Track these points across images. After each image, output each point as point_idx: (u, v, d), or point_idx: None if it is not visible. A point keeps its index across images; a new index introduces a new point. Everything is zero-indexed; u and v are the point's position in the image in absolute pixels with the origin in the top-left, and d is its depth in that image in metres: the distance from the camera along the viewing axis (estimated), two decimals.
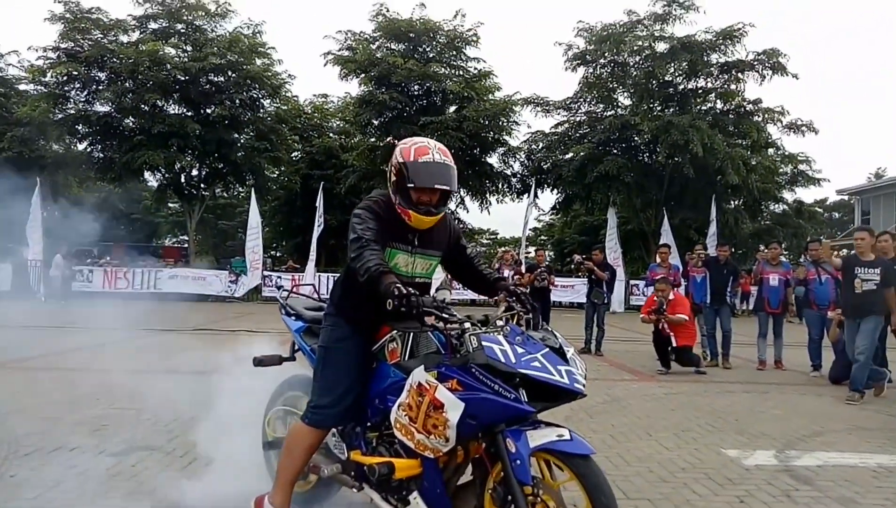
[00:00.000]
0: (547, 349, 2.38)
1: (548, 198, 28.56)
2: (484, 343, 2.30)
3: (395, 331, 2.65)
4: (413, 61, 23.47)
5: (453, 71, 25.07)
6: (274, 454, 3.22)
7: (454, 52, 25.01)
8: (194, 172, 26.21)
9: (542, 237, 44.18)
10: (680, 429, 5.24)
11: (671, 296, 8.65)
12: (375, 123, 24.96)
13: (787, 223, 28.21)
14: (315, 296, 3.51)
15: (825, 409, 6.34)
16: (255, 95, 25.31)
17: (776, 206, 27.96)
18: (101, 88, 23.67)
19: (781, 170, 25.90)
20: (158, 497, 3.20)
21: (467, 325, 2.39)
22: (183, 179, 26.06)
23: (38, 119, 23.25)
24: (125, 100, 23.35)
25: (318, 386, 2.70)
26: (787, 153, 25.79)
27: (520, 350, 2.32)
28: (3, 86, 26.03)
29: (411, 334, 2.59)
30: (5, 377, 6.80)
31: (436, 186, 2.57)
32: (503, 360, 2.26)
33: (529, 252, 26.19)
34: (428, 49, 24.92)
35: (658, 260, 10.01)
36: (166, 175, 25.54)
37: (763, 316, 9.05)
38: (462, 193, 25.53)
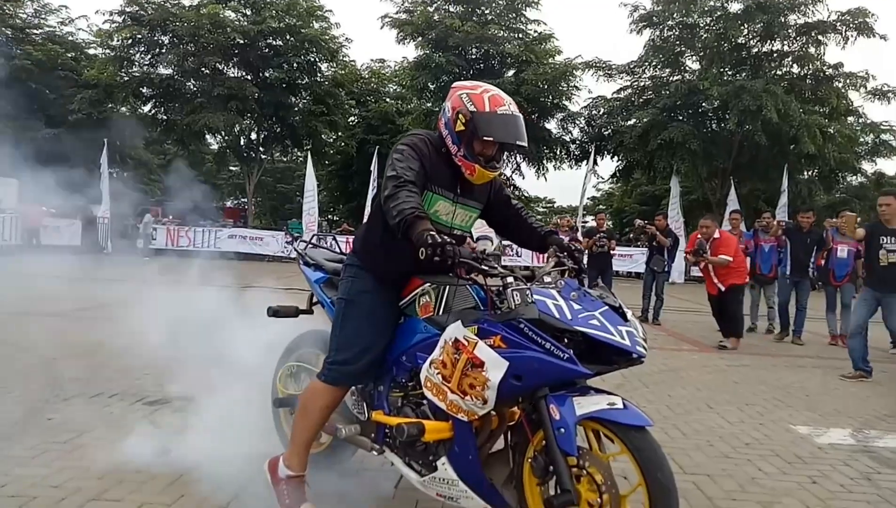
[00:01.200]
0: (606, 307, 2.12)
1: (607, 165, 27.83)
2: (536, 297, 2.06)
3: (427, 284, 2.41)
4: (471, 24, 22.91)
5: (512, 34, 24.37)
6: (283, 411, 3.05)
7: (513, 15, 24.28)
8: (253, 136, 26.58)
9: (601, 206, 43.14)
10: (744, 403, 4.87)
11: (716, 234, 7.82)
12: (432, 87, 24.54)
13: (864, 196, 26.48)
14: (335, 249, 3.28)
15: None
16: (312, 59, 25.29)
17: (854, 177, 26.30)
18: (163, 51, 24.10)
19: (862, 140, 24.26)
20: (185, 447, 3.09)
21: (510, 279, 2.13)
22: (242, 142, 26.47)
23: (106, 81, 23.96)
24: (187, 63, 23.74)
25: (336, 341, 2.47)
26: (868, 122, 24.13)
27: (576, 306, 2.07)
28: (74, 50, 26.89)
29: (446, 287, 2.35)
30: (64, 324, 6.96)
31: (517, 142, 2.35)
32: (557, 315, 2.02)
33: (587, 221, 25.54)
34: (486, 11, 24.26)
35: (730, 226, 9.37)
36: (226, 138, 25.97)
37: (830, 290, 8.42)
38: (518, 158, 24.98)
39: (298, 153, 30.00)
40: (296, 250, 3.18)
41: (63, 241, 19.39)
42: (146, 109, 26.08)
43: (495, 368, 2.01)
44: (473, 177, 2.39)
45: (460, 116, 2.34)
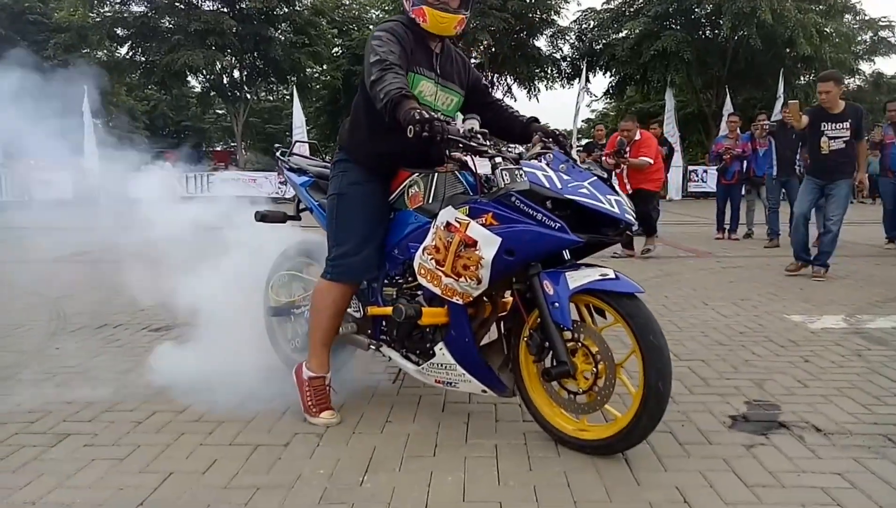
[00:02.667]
0: (595, 178, 2.13)
1: (600, 82, 27.33)
2: (525, 169, 2.07)
3: (416, 174, 2.40)
4: None
5: None
6: (276, 320, 3.08)
7: None
8: (236, 74, 25.91)
9: (599, 125, 42.54)
10: (738, 298, 4.95)
11: (637, 136, 7.38)
12: None
13: (862, 98, 26.05)
14: (317, 159, 3.26)
15: None
16: None
17: (852, 80, 25.82)
18: None
19: (859, 38, 23.67)
20: (192, 363, 3.15)
21: (499, 159, 2.13)
22: (225, 81, 25.82)
23: (78, 24, 23.17)
24: None
25: (334, 237, 2.48)
26: (867, 18, 23.47)
27: (565, 177, 2.08)
28: None
29: (435, 175, 2.34)
30: (65, 267, 6.96)
31: None
32: (548, 185, 2.03)
33: (582, 144, 25.28)
34: None
35: (727, 131, 9.27)
36: (208, 77, 25.33)
37: None
38: (509, 79, 24.47)
39: (284, 91, 29.29)
40: (278, 157, 3.15)
41: (54, 194, 19.18)
42: (123, 51, 25.32)
43: (488, 245, 2.03)
44: (427, 24, 2.33)
45: None
